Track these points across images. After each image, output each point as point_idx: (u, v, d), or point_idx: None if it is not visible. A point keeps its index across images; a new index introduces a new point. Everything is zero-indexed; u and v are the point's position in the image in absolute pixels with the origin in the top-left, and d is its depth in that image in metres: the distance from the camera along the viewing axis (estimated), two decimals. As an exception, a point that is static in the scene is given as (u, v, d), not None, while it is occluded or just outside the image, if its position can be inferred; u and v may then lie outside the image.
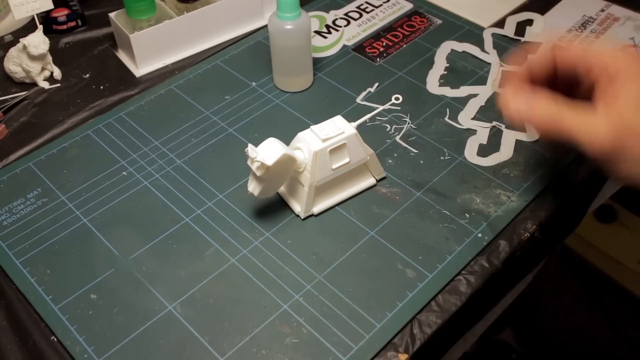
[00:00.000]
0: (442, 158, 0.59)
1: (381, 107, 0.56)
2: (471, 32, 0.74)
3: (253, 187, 0.51)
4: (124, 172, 0.58)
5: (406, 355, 0.45)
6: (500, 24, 0.75)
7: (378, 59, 0.70)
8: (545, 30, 0.73)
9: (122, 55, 0.73)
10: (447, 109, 0.64)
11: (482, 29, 0.74)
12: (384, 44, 0.72)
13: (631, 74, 0.41)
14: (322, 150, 0.51)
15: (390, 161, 0.58)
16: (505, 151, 0.59)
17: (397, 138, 0.61)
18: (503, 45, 0.71)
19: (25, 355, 0.46)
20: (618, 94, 0.41)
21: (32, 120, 0.65)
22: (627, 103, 0.41)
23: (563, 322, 1.25)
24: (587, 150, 0.42)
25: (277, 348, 0.45)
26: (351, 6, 0.79)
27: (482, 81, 0.67)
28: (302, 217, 0.53)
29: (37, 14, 0.68)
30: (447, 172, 0.57)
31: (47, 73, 0.70)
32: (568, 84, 0.47)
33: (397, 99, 0.55)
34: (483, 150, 0.59)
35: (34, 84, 0.69)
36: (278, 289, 0.49)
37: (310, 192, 0.52)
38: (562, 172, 0.57)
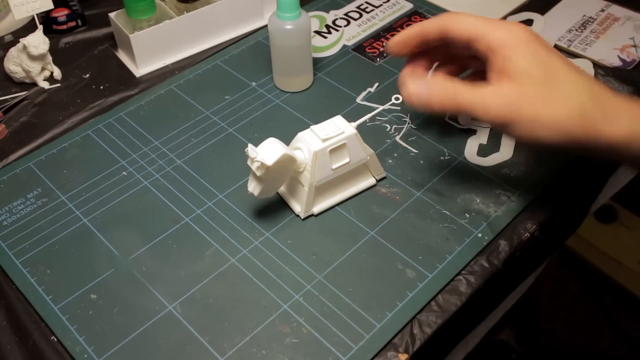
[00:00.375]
0: (442, 158, 0.59)
1: (381, 107, 0.56)
2: (471, 32, 0.73)
3: (253, 187, 0.51)
4: (124, 172, 0.58)
5: (406, 355, 0.45)
6: (500, 24, 0.75)
7: (378, 59, 0.70)
8: (545, 30, 0.73)
9: (122, 55, 0.73)
10: (447, 109, 0.64)
11: (482, 29, 0.74)
12: (384, 44, 0.72)
13: (518, 45, 0.44)
14: (322, 150, 0.51)
15: (390, 161, 0.58)
16: (505, 151, 0.59)
17: (397, 138, 0.61)
18: (503, 45, 0.71)
19: (25, 355, 0.46)
20: (507, 65, 0.44)
21: (32, 120, 0.65)
22: (516, 72, 0.43)
23: (563, 322, 1.25)
24: (483, 120, 0.45)
25: (277, 348, 0.45)
26: (351, 6, 0.79)
27: (482, 81, 0.67)
28: (302, 217, 0.53)
29: (37, 14, 0.68)
30: (447, 172, 0.57)
31: (47, 73, 0.70)
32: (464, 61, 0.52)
33: (397, 98, 0.55)
34: (483, 150, 0.59)
35: (34, 84, 0.69)
36: (278, 289, 0.49)
37: (310, 192, 0.52)
38: (562, 172, 0.57)
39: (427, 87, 0.46)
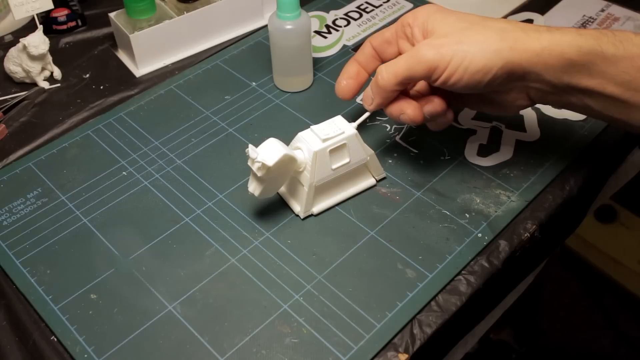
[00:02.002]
0: (442, 158, 0.59)
1: None
2: (471, 32, 0.73)
3: (254, 188, 0.51)
4: (124, 172, 0.58)
5: (406, 355, 0.45)
6: (500, 24, 0.75)
7: (378, 59, 0.70)
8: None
9: (122, 55, 0.73)
10: (447, 109, 0.64)
11: (482, 29, 0.74)
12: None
13: (430, 13, 0.50)
14: (322, 150, 0.51)
15: (390, 161, 0.58)
16: (505, 151, 0.59)
17: (397, 138, 0.61)
18: (503, 45, 0.71)
19: (25, 355, 0.46)
20: (427, 28, 0.49)
21: (32, 120, 0.65)
22: (435, 31, 0.49)
23: (563, 322, 1.25)
24: (420, 73, 0.48)
25: (277, 348, 0.45)
26: (351, 6, 0.79)
27: (482, 81, 0.67)
28: (302, 217, 0.53)
29: (37, 14, 0.68)
30: (447, 172, 0.57)
31: (47, 73, 0.70)
32: None
33: None
34: (483, 150, 0.59)
35: (34, 84, 0.69)
36: (278, 289, 0.49)
37: (310, 192, 0.52)
38: (562, 172, 0.57)
39: (370, 90, 0.52)
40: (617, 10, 0.76)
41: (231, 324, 0.47)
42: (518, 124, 0.62)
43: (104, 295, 0.49)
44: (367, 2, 0.79)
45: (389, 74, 0.49)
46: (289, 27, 0.61)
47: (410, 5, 0.78)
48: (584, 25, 0.74)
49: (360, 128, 0.53)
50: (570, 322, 1.25)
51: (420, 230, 0.53)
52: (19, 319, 0.48)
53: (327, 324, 0.46)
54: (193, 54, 0.73)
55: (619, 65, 0.44)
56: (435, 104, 0.51)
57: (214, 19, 0.72)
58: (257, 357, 0.45)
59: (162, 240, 0.52)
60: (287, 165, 0.50)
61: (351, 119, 0.54)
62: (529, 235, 0.52)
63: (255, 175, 0.49)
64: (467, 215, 0.53)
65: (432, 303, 0.48)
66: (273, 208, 0.55)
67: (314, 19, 0.76)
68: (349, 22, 0.76)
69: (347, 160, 0.53)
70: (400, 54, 0.54)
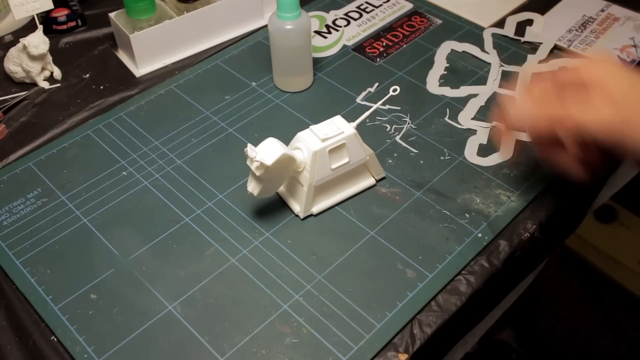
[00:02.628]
0: (442, 158, 0.59)
1: (379, 102, 0.55)
2: (471, 32, 0.74)
3: (252, 187, 0.51)
4: (124, 172, 0.58)
5: (406, 355, 0.45)
6: (500, 24, 0.75)
7: (378, 59, 0.70)
8: (545, 30, 0.73)
9: (122, 55, 0.73)
10: (447, 109, 0.64)
11: (482, 29, 0.74)
12: (384, 44, 0.72)
13: (612, 76, 0.46)
14: (322, 150, 0.51)
15: (390, 161, 0.58)
16: (505, 151, 0.59)
17: (397, 138, 0.61)
18: (503, 45, 0.71)
19: (25, 355, 0.46)
20: (607, 92, 0.45)
21: (32, 120, 0.65)
22: (617, 94, 0.44)
23: (563, 322, 1.25)
24: (595, 132, 0.44)
25: (277, 348, 0.45)
26: (351, 6, 0.79)
27: (482, 81, 0.67)
28: (302, 217, 0.53)
29: (37, 14, 0.68)
30: (447, 172, 0.57)
31: (47, 73, 0.70)
32: None
33: (394, 90, 0.54)
34: (483, 150, 0.59)
35: (34, 84, 0.69)
36: (278, 289, 0.49)
37: (309, 192, 0.52)
38: (562, 172, 0.57)
39: (534, 105, 0.47)
40: (617, 10, 0.76)
41: (231, 324, 0.47)
42: (518, 124, 0.62)
43: (104, 295, 0.49)
44: (367, 2, 0.79)
45: (580, 117, 0.45)
46: (289, 27, 0.61)
47: (410, 5, 0.78)
48: (584, 25, 0.74)
49: (360, 128, 0.53)
50: (570, 322, 1.25)
51: (420, 230, 0.52)
52: (19, 319, 0.48)
53: (327, 324, 0.46)
54: (193, 54, 0.73)
55: None
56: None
57: (214, 19, 0.72)
58: (257, 357, 0.45)
59: (162, 240, 0.52)
60: (286, 165, 0.50)
61: (351, 119, 0.54)
62: (529, 235, 0.52)
63: (254, 174, 0.49)
64: (467, 215, 0.53)
65: (432, 303, 0.48)
66: (273, 208, 0.55)
67: (314, 19, 0.76)
68: (349, 22, 0.76)
69: (346, 160, 0.53)
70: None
